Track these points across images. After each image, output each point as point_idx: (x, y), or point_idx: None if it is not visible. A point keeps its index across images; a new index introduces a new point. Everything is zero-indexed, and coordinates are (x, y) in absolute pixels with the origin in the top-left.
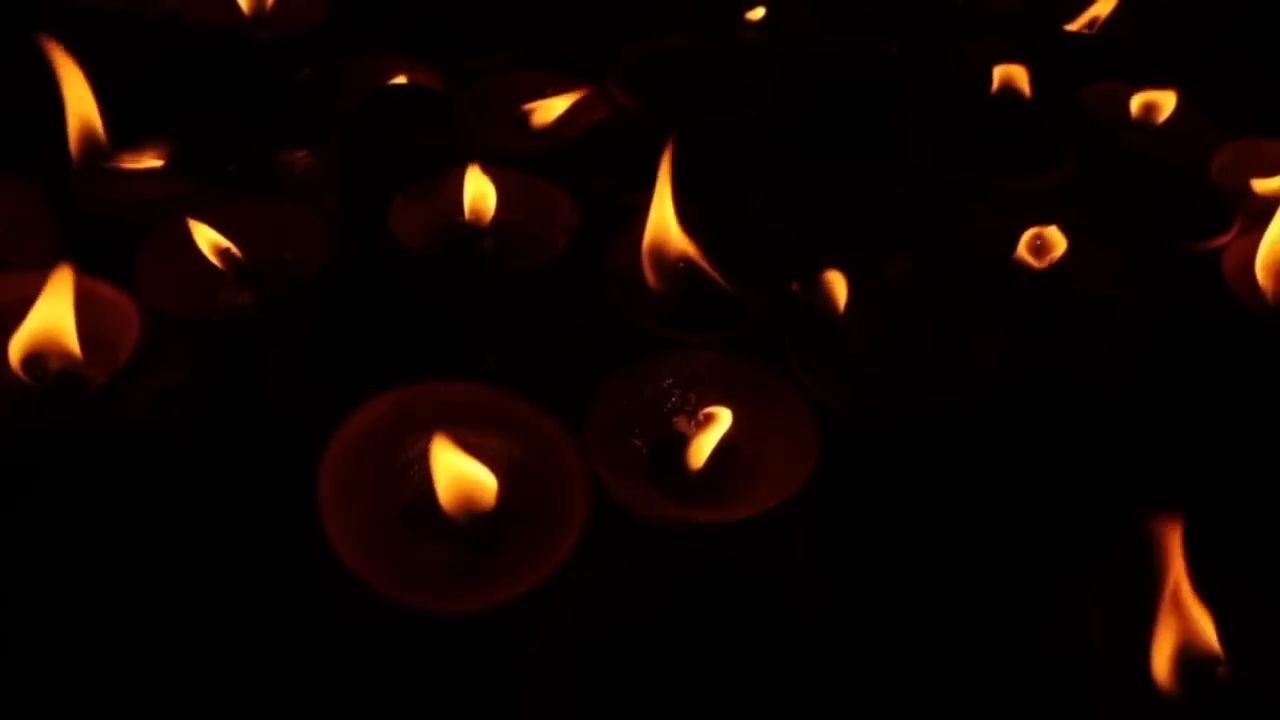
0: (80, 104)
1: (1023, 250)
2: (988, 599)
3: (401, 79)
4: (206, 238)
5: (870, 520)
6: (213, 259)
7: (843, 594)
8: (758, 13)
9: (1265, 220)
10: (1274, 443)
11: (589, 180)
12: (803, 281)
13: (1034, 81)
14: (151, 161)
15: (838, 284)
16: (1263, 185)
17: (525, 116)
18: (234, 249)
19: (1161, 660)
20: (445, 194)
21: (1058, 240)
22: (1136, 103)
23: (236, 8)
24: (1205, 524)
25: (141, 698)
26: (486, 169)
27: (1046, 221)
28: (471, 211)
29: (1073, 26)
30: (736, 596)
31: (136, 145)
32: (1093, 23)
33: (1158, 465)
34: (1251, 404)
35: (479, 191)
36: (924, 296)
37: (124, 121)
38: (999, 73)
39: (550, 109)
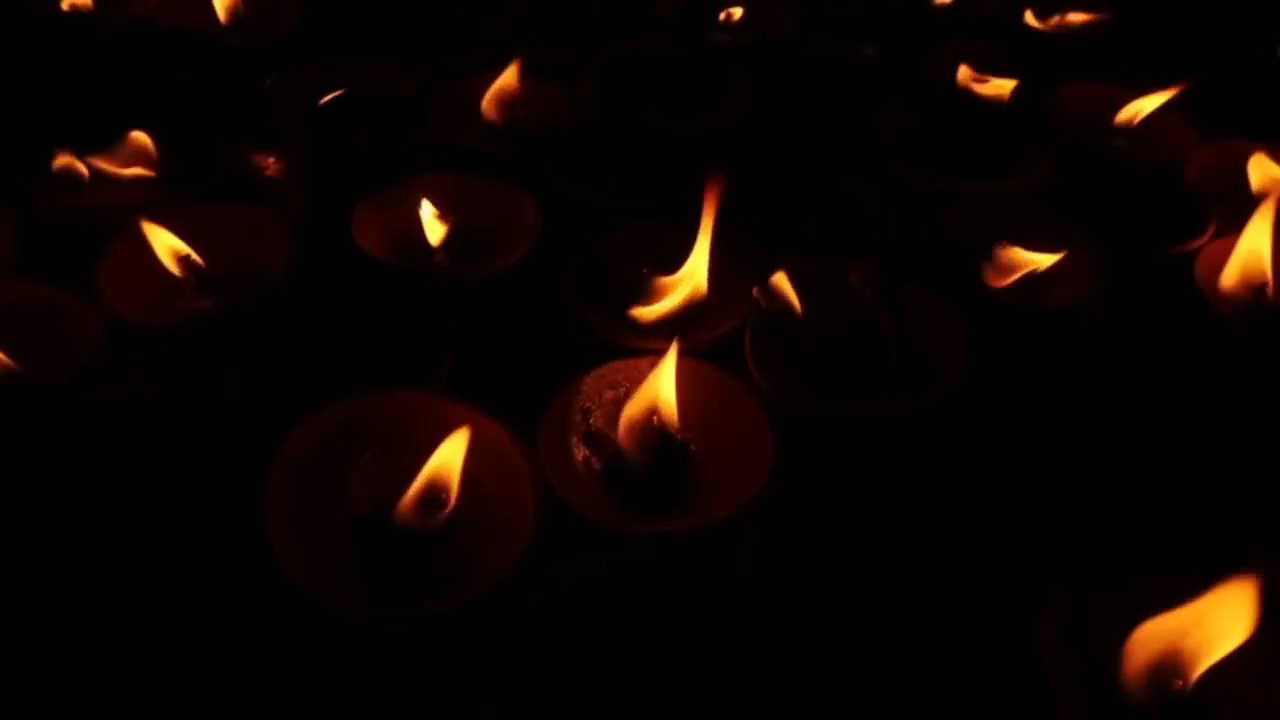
0: None
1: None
2: (941, 608)
3: (369, 83)
4: (164, 243)
5: (826, 529)
6: (171, 266)
7: (794, 603)
8: (735, 13)
9: (1241, 224)
10: (1245, 446)
11: (555, 184)
12: (763, 287)
13: (1015, 90)
14: (122, 166)
15: (786, 286)
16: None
17: None
18: (193, 255)
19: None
20: (409, 200)
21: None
22: (1119, 112)
23: (211, 13)
24: (1175, 528)
25: (91, 701)
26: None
27: (1017, 226)
28: (429, 233)
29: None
30: (687, 605)
31: (107, 149)
32: (1070, 21)
33: (1126, 470)
34: (1222, 408)
35: (433, 216)
36: (887, 301)
37: (95, 124)
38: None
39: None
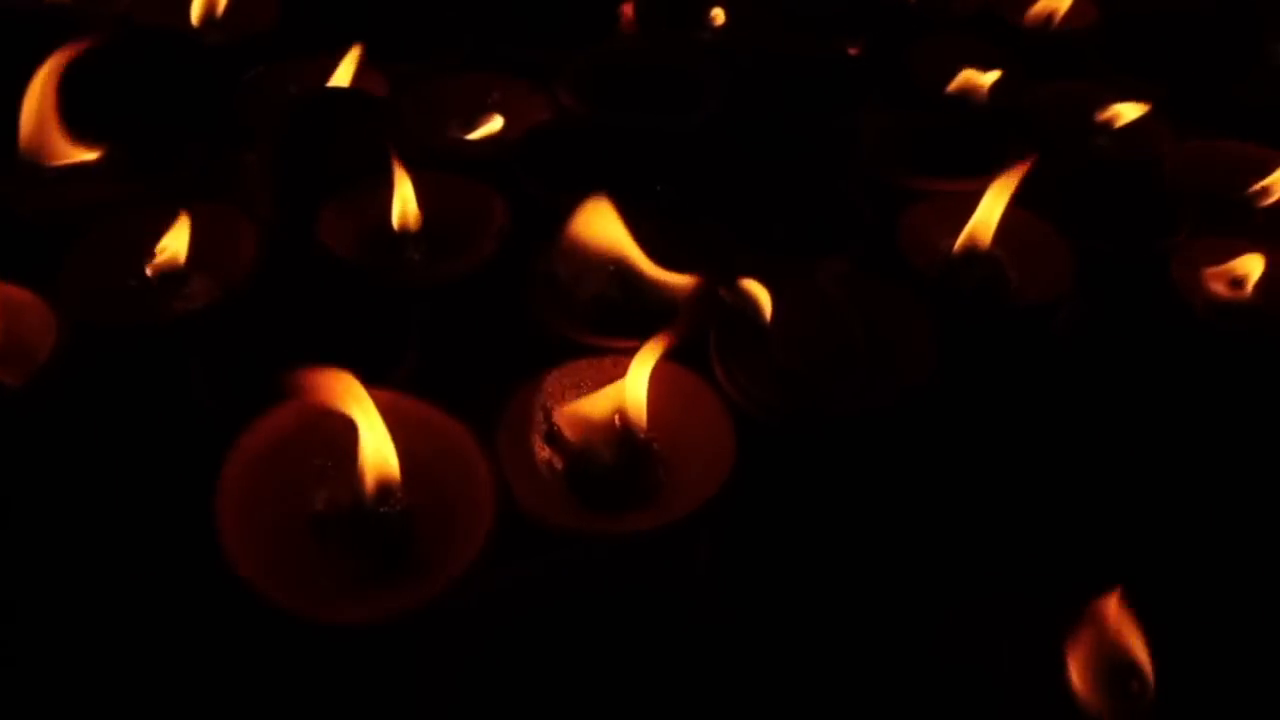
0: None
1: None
2: (901, 608)
3: (340, 81)
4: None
5: (788, 529)
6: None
7: (753, 602)
8: (718, 16)
9: (1216, 223)
10: (1215, 446)
11: (524, 182)
12: (729, 286)
13: (994, 86)
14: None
15: (758, 291)
16: None
17: None
18: (169, 252)
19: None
20: (376, 199)
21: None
22: (1100, 113)
23: (188, 11)
24: (1142, 532)
25: (42, 697)
26: (414, 176)
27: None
28: (400, 221)
29: (1029, 18)
30: (639, 608)
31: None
32: (1050, 18)
33: (1096, 470)
34: (1193, 407)
35: (406, 202)
36: (854, 299)
37: (70, 122)
38: (961, 78)
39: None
